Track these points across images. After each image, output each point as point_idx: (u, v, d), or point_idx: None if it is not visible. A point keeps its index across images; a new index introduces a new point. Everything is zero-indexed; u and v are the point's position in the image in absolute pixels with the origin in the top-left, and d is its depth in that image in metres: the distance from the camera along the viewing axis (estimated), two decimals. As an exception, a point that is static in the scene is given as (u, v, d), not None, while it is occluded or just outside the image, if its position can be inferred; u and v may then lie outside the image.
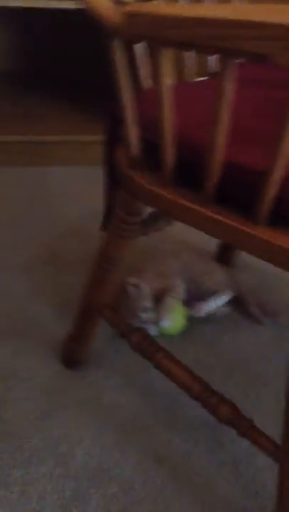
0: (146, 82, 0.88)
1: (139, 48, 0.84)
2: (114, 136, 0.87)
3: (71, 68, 2.17)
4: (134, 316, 1.14)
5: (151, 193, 0.74)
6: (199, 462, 0.95)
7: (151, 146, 0.73)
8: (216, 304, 1.25)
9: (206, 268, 1.29)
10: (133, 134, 0.75)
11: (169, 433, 1.00)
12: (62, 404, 1.03)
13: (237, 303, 1.32)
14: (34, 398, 1.04)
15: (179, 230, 1.57)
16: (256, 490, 0.92)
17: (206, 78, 0.98)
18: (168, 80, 0.61)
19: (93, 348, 1.15)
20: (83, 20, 2.04)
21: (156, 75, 0.60)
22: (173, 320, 1.17)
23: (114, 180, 0.91)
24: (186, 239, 1.53)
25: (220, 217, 0.66)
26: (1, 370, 1.10)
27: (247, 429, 0.81)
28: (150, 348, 0.93)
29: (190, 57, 0.96)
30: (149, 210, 0.87)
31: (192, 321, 1.24)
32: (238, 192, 0.65)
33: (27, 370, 1.10)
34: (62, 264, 1.40)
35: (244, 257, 1.47)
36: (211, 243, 1.50)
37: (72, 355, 1.10)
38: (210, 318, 1.25)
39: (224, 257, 1.45)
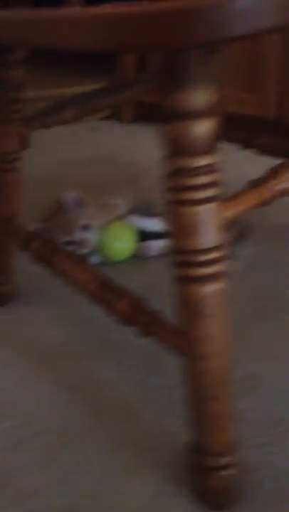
0: None
1: None
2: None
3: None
4: (70, 234, 0.97)
5: None
6: (129, 388, 0.76)
7: None
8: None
9: None
10: None
11: (95, 361, 0.82)
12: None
13: None
14: None
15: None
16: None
17: None
18: None
19: (24, 284, 0.99)
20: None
21: None
22: (114, 248, 1.00)
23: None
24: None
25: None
26: None
27: (148, 323, 0.62)
28: (48, 253, 0.76)
29: None
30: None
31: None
32: None
33: None
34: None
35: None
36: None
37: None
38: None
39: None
